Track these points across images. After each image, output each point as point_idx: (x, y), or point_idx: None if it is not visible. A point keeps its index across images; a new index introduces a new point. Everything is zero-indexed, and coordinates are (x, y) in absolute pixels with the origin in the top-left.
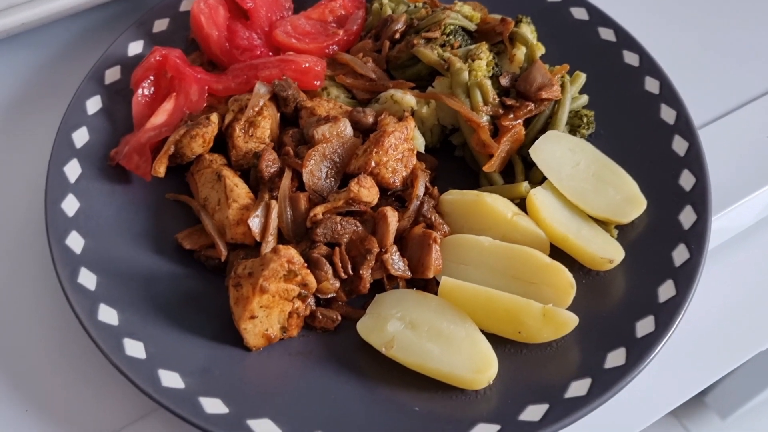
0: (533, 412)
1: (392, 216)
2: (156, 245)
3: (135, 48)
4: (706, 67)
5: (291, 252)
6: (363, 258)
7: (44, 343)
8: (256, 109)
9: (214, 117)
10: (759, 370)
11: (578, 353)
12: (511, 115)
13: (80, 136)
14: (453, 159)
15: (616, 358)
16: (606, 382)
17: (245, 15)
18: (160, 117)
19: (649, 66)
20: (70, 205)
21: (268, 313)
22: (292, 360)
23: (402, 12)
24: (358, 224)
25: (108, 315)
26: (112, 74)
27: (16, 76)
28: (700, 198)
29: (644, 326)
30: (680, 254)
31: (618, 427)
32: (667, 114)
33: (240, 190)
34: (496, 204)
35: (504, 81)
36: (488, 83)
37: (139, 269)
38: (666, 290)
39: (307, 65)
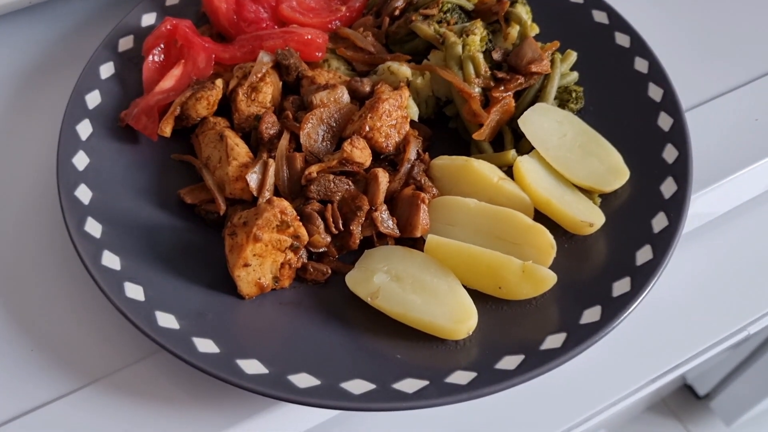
0: (509, 362)
1: (383, 176)
2: (159, 200)
3: (148, 19)
4: (698, 51)
5: (284, 204)
6: (354, 214)
7: (51, 287)
8: (259, 75)
9: (219, 82)
10: (764, 377)
11: (556, 310)
12: (502, 87)
13: (93, 99)
14: (447, 130)
15: (591, 314)
16: (580, 337)
17: None
18: (168, 82)
19: (639, 47)
20: (81, 160)
21: (261, 262)
22: (283, 308)
23: None
24: (350, 183)
25: (111, 260)
26: (126, 43)
27: (37, 44)
28: (681, 170)
29: (620, 286)
30: (659, 222)
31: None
32: (655, 92)
33: (240, 149)
34: (482, 168)
35: (496, 56)
36: (480, 56)
37: (143, 221)
38: (643, 254)
39: (309, 37)
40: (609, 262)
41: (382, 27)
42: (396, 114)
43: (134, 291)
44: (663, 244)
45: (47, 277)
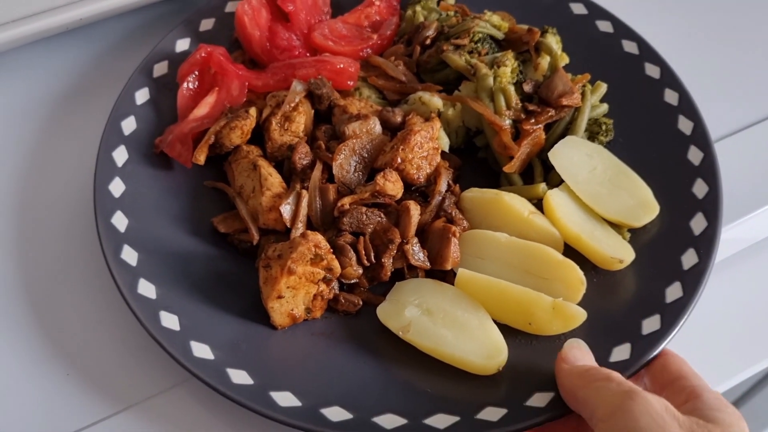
0: (539, 399)
1: (415, 209)
2: (193, 227)
3: (182, 45)
4: (726, 82)
5: (318, 237)
6: (385, 247)
7: (86, 312)
8: (292, 104)
9: (253, 111)
10: None
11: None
12: (533, 120)
13: (128, 125)
14: (476, 160)
15: (620, 352)
16: (691, 282)
17: (286, 17)
18: (202, 109)
19: (669, 78)
20: (117, 187)
21: (294, 293)
22: (315, 339)
23: (434, 19)
24: (382, 215)
25: (147, 289)
26: (160, 68)
27: (74, 67)
28: (711, 206)
29: (650, 324)
30: (689, 258)
31: None
32: (685, 125)
33: (274, 179)
34: (513, 202)
35: (527, 87)
36: (512, 89)
37: (177, 249)
38: (673, 291)
39: (341, 66)
40: (638, 299)
41: (413, 56)
42: (427, 146)
43: (169, 320)
44: (693, 281)
45: (85, 303)
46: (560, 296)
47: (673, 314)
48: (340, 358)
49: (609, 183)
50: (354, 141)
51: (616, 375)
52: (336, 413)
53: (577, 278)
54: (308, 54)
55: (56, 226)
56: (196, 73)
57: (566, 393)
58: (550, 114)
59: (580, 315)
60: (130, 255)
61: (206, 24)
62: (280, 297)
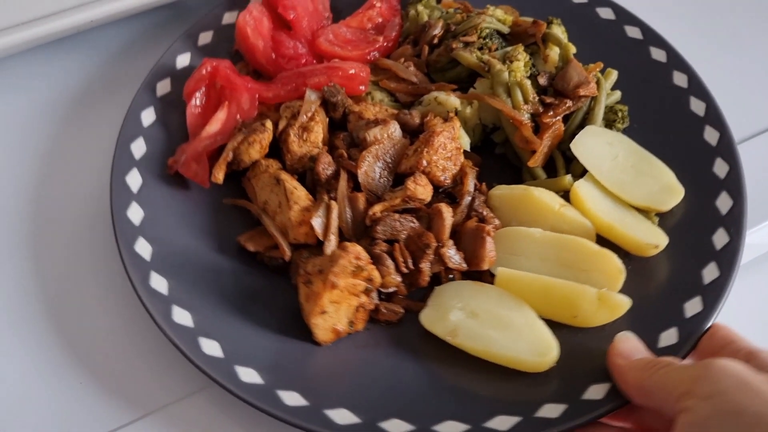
0: (596, 391)
1: (447, 211)
2: (218, 247)
3: (183, 60)
4: (747, 86)
5: (358, 248)
6: (422, 252)
7: (105, 319)
8: (309, 114)
9: (269, 123)
10: None
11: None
12: (551, 113)
13: (138, 147)
14: (494, 156)
15: (668, 337)
16: (712, 296)
17: (287, 26)
18: (214, 126)
19: (676, 61)
20: (135, 213)
21: (337, 308)
22: (361, 352)
23: (438, 18)
24: (414, 221)
25: (182, 317)
26: (164, 87)
27: (82, 69)
28: (734, 184)
29: (692, 306)
30: (720, 238)
31: None
32: (697, 106)
33: (300, 192)
34: (543, 197)
35: (542, 80)
36: (528, 83)
37: (205, 271)
38: (710, 272)
39: (353, 71)
40: (676, 283)
41: (422, 56)
42: (450, 146)
43: (211, 347)
44: (728, 260)
45: (113, 326)
46: (600, 286)
47: (713, 294)
48: (389, 368)
49: (632, 170)
50: (377, 147)
51: (678, 360)
52: (396, 426)
53: (615, 267)
54: (315, 61)
55: (76, 253)
56: (203, 88)
57: (631, 387)
58: (568, 105)
59: (626, 303)
60: (159, 283)
61: (205, 37)
62: (323, 312)
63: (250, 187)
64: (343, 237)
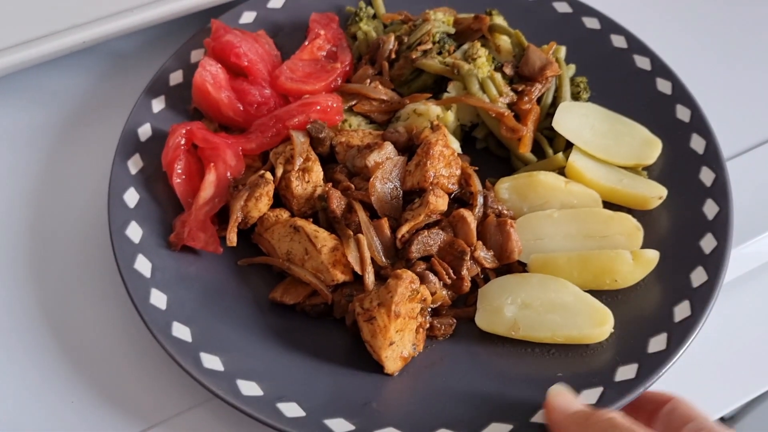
0: (658, 343)
1: (469, 215)
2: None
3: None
4: (735, 101)
5: (409, 273)
6: (459, 260)
7: (114, 350)
8: (304, 156)
9: (268, 175)
10: None
11: (664, 283)
12: (526, 98)
13: (134, 232)
14: (476, 152)
15: (698, 276)
16: (700, 300)
17: (241, 74)
18: (207, 190)
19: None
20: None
21: (402, 335)
22: (434, 370)
23: (388, 32)
24: (440, 232)
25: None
26: (135, 162)
27: (80, 86)
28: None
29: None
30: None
31: None
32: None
33: (322, 234)
34: (549, 178)
35: (508, 70)
36: (498, 76)
37: (236, 325)
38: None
39: (330, 103)
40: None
41: (383, 73)
42: (447, 153)
43: (290, 409)
44: (715, 264)
45: (100, 325)
46: (623, 247)
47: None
48: (465, 376)
49: (610, 134)
50: (381, 171)
51: (616, 413)
52: (499, 429)
53: (633, 226)
54: (281, 102)
55: (71, 251)
56: (181, 156)
57: None
58: (538, 88)
59: (655, 255)
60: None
61: (158, 104)
62: (392, 344)
63: (263, 241)
64: (376, 265)
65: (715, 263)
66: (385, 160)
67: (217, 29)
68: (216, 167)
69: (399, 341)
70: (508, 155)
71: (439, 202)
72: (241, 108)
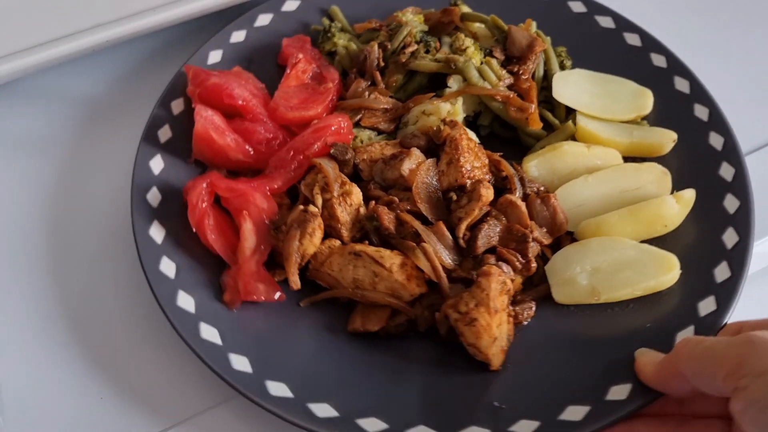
0: (721, 271)
1: (517, 199)
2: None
3: (154, 197)
4: (755, 96)
5: (495, 268)
6: (522, 244)
7: (136, 348)
8: (339, 181)
9: (313, 208)
10: None
11: (700, 224)
12: (524, 76)
13: (185, 300)
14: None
15: (721, 272)
16: (726, 295)
17: (236, 115)
18: (250, 240)
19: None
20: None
21: (500, 329)
22: (531, 356)
23: (369, 41)
24: (496, 222)
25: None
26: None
27: (100, 87)
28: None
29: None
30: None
31: None
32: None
33: (385, 252)
34: (572, 147)
35: (499, 54)
36: (494, 61)
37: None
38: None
39: (340, 123)
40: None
41: (376, 83)
42: (471, 145)
43: (240, 362)
44: (739, 259)
45: (123, 322)
46: (656, 194)
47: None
48: (565, 353)
49: (604, 93)
50: (420, 177)
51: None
52: (621, 390)
53: (661, 171)
54: (285, 134)
55: (94, 250)
56: (209, 214)
57: (666, 380)
58: (530, 65)
59: (692, 193)
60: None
61: (156, 164)
62: (495, 340)
63: (323, 276)
64: (445, 269)
65: (738, 258)
66: (418, 166)
67: (196, 75)
68: (250, 214)
69: (499, 335)
70: (515, 135)
71: (489, 192)
72: (250, 149)
